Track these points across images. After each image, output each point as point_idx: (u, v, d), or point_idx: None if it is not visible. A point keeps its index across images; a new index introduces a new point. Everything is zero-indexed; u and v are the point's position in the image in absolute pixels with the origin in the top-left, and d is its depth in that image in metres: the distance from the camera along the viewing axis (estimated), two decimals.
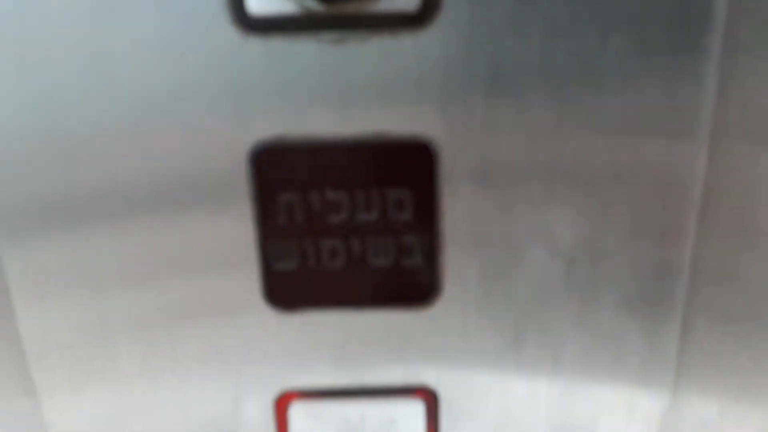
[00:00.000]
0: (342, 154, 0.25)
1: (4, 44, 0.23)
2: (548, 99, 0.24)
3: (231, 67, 0.24)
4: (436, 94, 0.24)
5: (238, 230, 0.26)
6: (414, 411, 0.29)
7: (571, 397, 0.29)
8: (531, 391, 0.29)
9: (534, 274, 0.27)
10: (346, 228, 0.26)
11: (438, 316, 0.27)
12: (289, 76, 0.24)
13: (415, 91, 0.24)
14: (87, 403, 0.29)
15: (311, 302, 0.27)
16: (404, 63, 0.24)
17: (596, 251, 0.26)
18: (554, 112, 0.25)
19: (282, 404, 0.29)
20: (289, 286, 0.27)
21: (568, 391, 0.29)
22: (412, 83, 0.24)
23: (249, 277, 0.27)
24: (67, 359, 0.28)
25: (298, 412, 0.29)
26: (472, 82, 0.24)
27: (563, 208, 0.26)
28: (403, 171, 0.25)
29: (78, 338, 0.28)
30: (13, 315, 0.27)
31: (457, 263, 0.27)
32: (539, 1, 0.23)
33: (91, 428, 0.29)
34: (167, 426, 0.29)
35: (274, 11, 0.23)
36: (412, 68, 0.24)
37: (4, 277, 0.27)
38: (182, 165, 0.25)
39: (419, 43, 0.23)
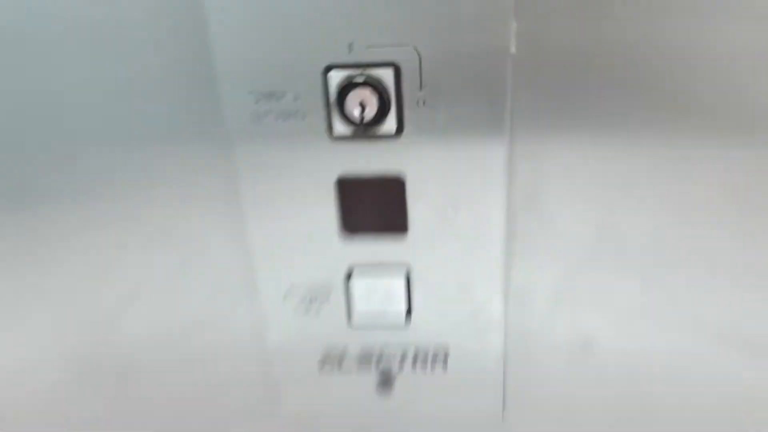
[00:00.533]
0: (368, 183, 0.57)
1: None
2: None
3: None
4: (408, 159, 0.54)
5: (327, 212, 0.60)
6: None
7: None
8: None
9: None
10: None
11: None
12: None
13: (398, 159, 0.56)
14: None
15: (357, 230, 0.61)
16: (391, 150, 0.54)
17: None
18: None
19: (348, 275, 0.60)
20: (353, 226, 0.61)
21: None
22: (396, 156, 0.55)
23: (331, 217, 0.59)
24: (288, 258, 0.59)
25: (358, 281, 0.61)
26: (424, 154, 0.57)
27: None
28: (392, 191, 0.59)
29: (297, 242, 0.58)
30: (245, 222, 0.57)
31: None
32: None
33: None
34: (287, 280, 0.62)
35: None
36: (396, 151, 0.54)
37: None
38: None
39: (398, 142, 0.53)
